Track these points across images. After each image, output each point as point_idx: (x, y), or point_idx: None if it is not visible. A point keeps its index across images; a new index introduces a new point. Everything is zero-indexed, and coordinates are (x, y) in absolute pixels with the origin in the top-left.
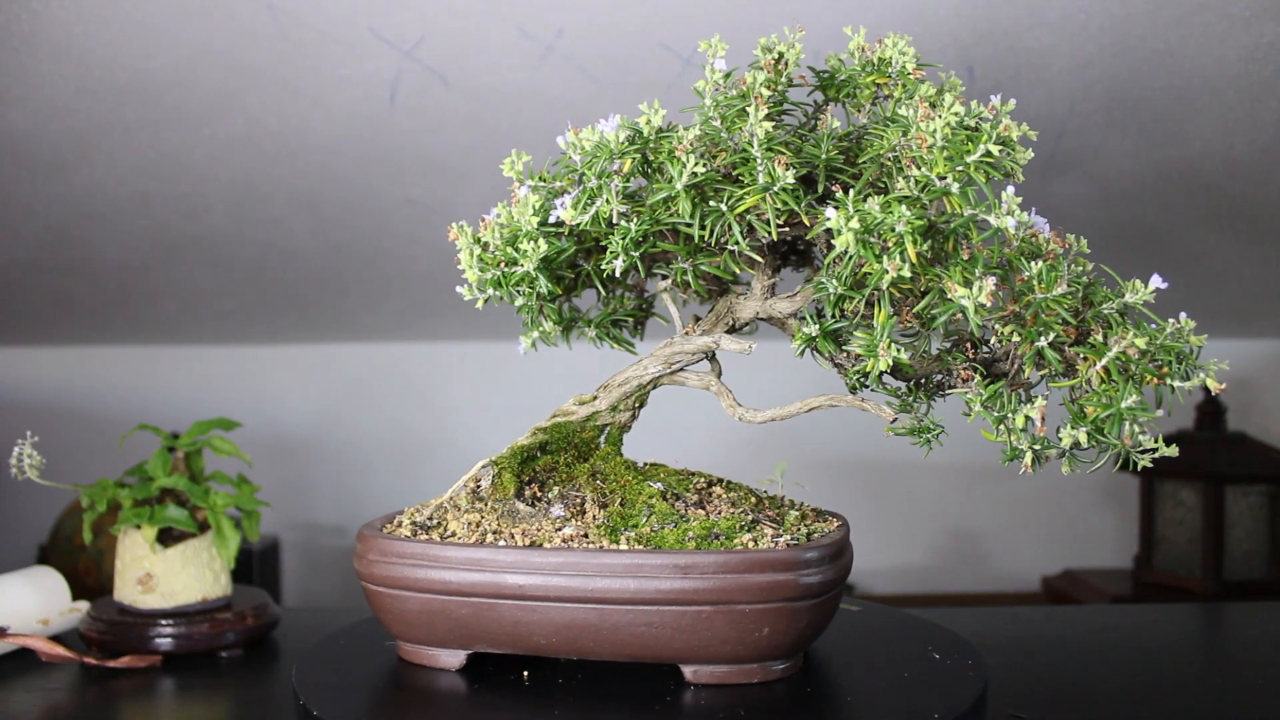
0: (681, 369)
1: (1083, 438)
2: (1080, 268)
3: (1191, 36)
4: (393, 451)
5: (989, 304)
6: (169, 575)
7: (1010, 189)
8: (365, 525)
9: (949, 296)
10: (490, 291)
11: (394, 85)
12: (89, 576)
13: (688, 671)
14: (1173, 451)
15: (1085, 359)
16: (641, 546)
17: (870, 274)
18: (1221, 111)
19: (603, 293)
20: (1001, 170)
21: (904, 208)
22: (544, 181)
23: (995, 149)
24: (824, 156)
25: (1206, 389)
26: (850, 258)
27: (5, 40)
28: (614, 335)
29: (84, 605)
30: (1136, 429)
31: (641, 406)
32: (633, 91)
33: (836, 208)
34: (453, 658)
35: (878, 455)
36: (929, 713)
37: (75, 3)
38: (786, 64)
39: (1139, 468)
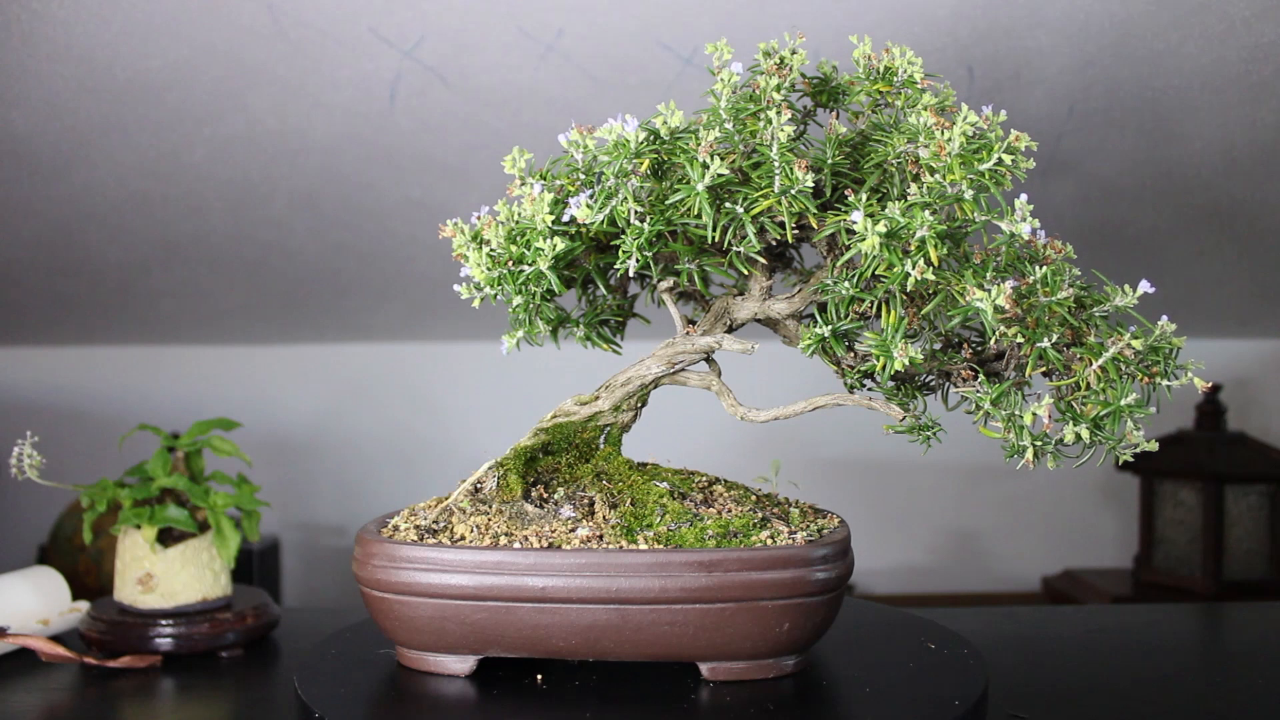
0: (683, 368)
1: (1085, 434)
2: (1072, 273)
3: (1191, 36)
4: (393, 451)
5: (1008, 306)
6: (169, 575)
7: (1023, 196)
8: (362, 529)
9: (966, 299)
10: (487, 290)
11: (394, 85)
12: (89, 576)
13: (705, 669)
14: (1152, 446)
15: (1082, 359)
16: (661, 546)
17: (886, 276)
18: (1221, 111)
19: (604, 291)
20: (1010, 178)
21: (927, 213)
22: (544, 180)
23: (1008, 158)
24: (830, 161)
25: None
26: (873, 260)
27: (5, 40)
28: (601, 335)
29: (84, 605)
30: (1133, 425)
31: (643, 406)
32: (633, 91)
33: (860, 211)
34: (461, 664)
35: (877, 455)
36: (950, 700)
37: (75, 3)
38: (790, 69)
39: (1120, 464)
